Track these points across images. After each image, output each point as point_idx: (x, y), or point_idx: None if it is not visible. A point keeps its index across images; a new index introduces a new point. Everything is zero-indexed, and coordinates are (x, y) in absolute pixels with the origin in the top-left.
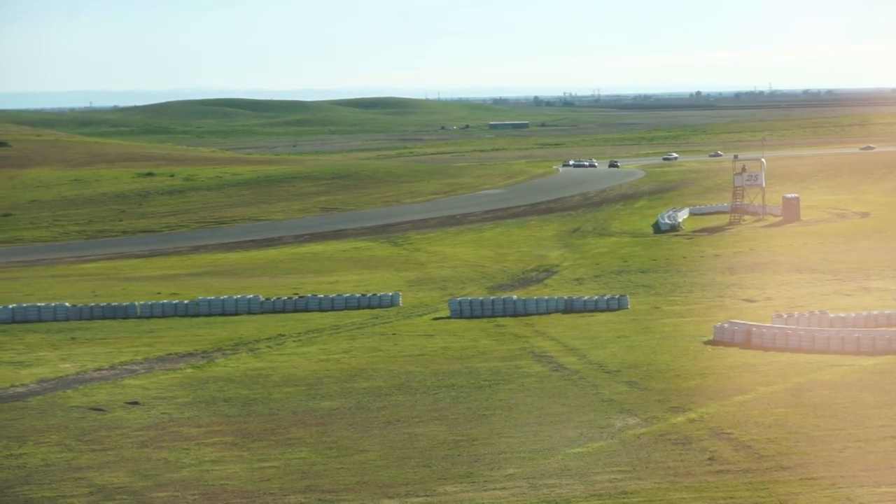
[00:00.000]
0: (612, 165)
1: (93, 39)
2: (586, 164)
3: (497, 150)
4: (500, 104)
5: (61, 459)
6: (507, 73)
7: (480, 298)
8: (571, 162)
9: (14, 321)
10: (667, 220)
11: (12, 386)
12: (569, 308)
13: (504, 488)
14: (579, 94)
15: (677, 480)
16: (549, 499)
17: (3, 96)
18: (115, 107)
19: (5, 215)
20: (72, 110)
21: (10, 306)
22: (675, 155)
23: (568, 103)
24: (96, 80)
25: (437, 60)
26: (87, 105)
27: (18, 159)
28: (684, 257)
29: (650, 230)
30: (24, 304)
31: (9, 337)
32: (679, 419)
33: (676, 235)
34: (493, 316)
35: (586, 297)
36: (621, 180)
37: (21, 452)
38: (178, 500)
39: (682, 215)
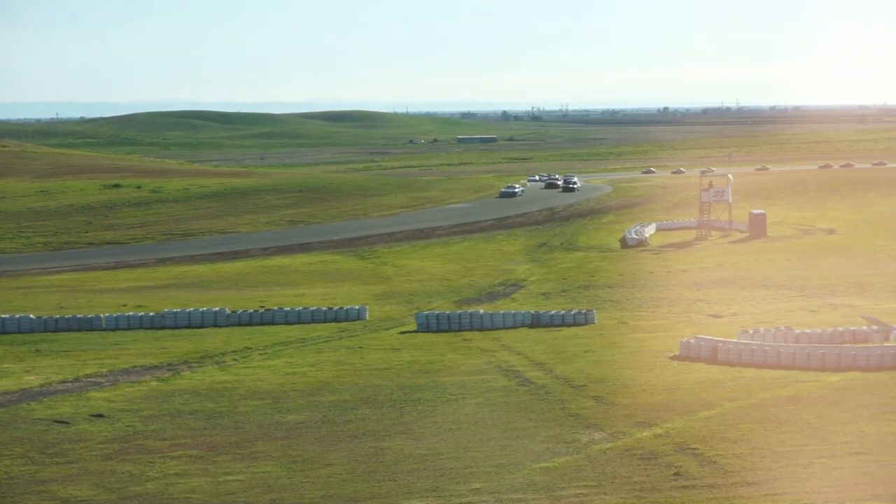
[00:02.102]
0: (567, 188)
1: (60, 50)
2: (559, 180)
3: (465, 164)
4: (468, 118)
5: (24, 472)
6: (475, 88)
7: (447, 312)
8: (538, 178)
9: None
10: (634, 236)
11: None
12: (535, 322)
13: (470, 502)
14: (547, 108)
15: (643, 495)
16: None
17: None
18: (82, 118)
19: None
20: (38, 121)
21: None
22: (653, 170)
23: (536, 118)
24: (63, 91)
25: (406, 74)
26: (54, 116)
27: None
28: (651, 272)
29: (617, 245)
30: None
31: None
32: (645, 434)
33: (643, 250)
34: (459, 330)
35: (553, 312)
36: (588, 195)
37: None
38: None
39: (650, 230)
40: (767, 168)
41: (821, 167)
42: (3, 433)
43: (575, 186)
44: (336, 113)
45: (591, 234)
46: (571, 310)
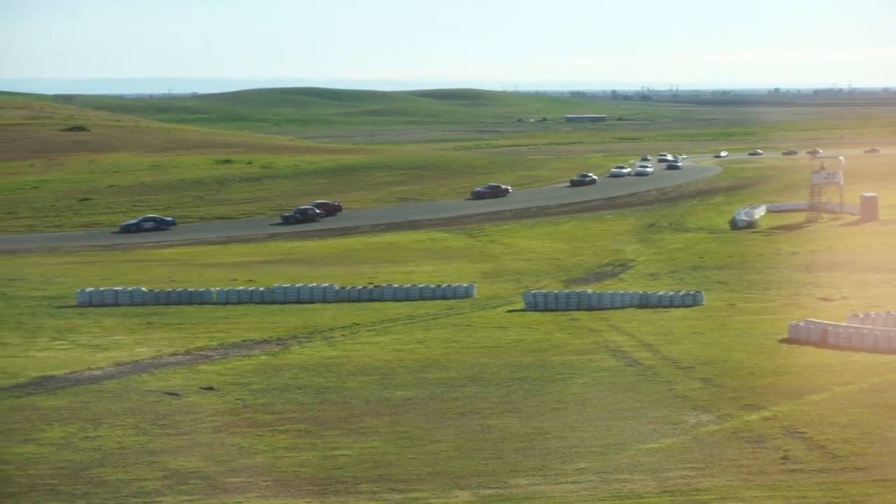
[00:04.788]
0: (672, 166)
1: (173, 27)
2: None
3: (574, 143)
4: (577, 97)
5: (136, 443)
6: (585, 67)
7: (555, 291)
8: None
9: (91, 305)
10: (743, 217)
11: (88, 369)
12: (644, 303)
13: (576, 482)
14: (657, 88)
15: (750, 479)
16: (620, 494)
17: (84, 82)
18: (194, 94)
19: (83, 199)
20: (151, 97)
21: (88, 290)
22: (759, 151)
23: (645, 98)
24: (176, 67)
25: (516, 53)
26: (167, 92)
27: (97, 144)
28: (760, 254)
29: (727, 226)
30: (102, 289)
31: (86, 320)
32: (753, 417)
33: (753, 232)
34: (567, 309)
35: (661, 293)
36: (697, 176)
37: (96, 435)
38: (251, 486)
39: (759, 212)
40: (877, 150)
41: None
42: (116, 404)
43: (678, 165)
44: (445, 91)
45: (701, 216)
46: (680, 291)
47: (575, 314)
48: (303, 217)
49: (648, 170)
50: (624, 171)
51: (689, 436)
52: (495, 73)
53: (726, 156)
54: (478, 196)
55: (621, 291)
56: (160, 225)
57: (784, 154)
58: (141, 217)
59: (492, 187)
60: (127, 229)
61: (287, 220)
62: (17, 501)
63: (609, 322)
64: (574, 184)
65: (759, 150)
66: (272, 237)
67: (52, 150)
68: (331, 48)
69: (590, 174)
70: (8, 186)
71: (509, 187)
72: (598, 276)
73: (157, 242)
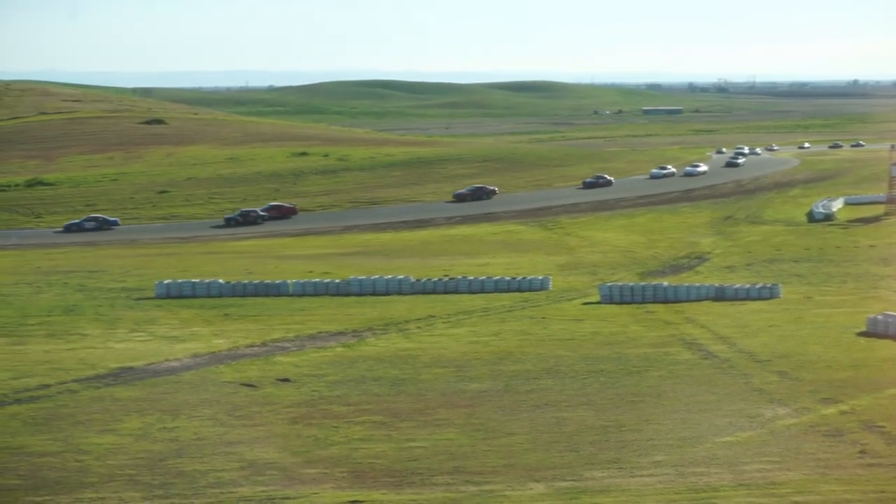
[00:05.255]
0: (731, 163)
1: (249, 20)
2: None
3: (650, 135)
4: (653, 89)
5: (213, 433)
6: (661, 59)
7: (631, 284)
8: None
9: (169, 296)
10: (821, 210)
11: (166, 360)
12: (720, 296)
13: (651, 475)
14: (734, 80)
15: (827, 472)
16: (696, 487)
17: (161, 75)
18: (271, 86)
19: (162, 192)
20: (228, 89)
21: (166, 282)
22: (840, 144)
23: (722, 90)
24: (253, 59)
25: (591, 45)
26: (244, 84)
27: (175, 137)
28: (838, 247)
29: (804, 219)
30: (179, 280)
31: (164, 312)
32: (830, 411)
33: (831, 225)
34: (643, 302)
35: (738, 286)
36: (775, 168)
37: (174, 425)
38: (327, 478)
39: (837, 205)
40: None
41: None
42: (193, 395)
43: (739, 162)
44: (521, 83)
45: (778, 208)
46: (756, 284)
47: (651, 307)
48: (244, 219)
49: (699, 169)
50: (664, 171)
51: (766, 429)
52: (571, 66)
53: (809, 147)
54: (459, 198)
55: (697, 284)
56: (102, 225)
57: (830, 147)
58: (84, 217)
59: (475, 189)
60: (69, 228)
61: (228, 223)
62: (97, 491)
63: (685, 315)
64: (587, 185)
65: (839, 143)
66: (348, 229)
67: (132, 143)
68: (408, 40)
69: (605, 175)
70: (88, 179)
71: (496, 188)
72: (674, 268)
73: (233, 234)
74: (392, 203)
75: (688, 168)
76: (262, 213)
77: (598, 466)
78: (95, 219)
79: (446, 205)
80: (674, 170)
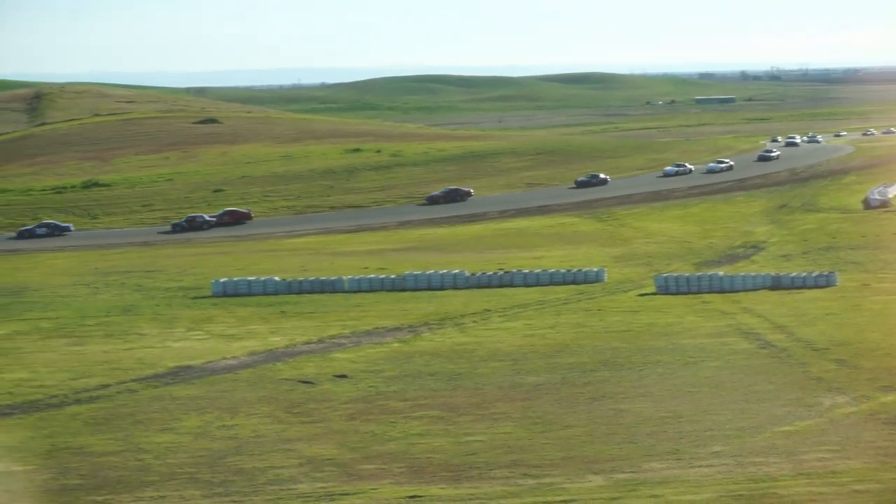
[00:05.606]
0: (764, 157)
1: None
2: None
3: (703, 125)
4: (706, 79)
5: (272, 430)
6: (713, 48)
7: (686, 274)
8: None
9: (225, 295)
10: (877, 196)
11: (224, 358)
12: (776, 285)
13: (710, 465)
14: (787, 68)
15: (888, 461)
16: (755, 477)
17: (213, 74)
18: (323, 83)
19: (217, 191)
20: (280, 87)
21: (222, 280)
22: (893, 130)
23: (775, 77)
24: (304, 57)
25: (643, 35)
26: (296, 82)
27: (229, 136)
28: (895, 234)
29: (859, 206)
30: (235, 279)
31: (220, 310)
32: (889, 398)
33: (887, 211)
34: (699, 292)
35: (794, 274)
36: (829, 156)
37: (233, 423)
38: (385, 473)
39: (893, 191)
40: None
41: None
42: (251, 392)
43: (773, 155)
44: (572, 75)
45: (833, 195)
46: (813, 272)
47: (706, 297)
48: (189, 225)
49: (723, 165)
50: (721, 165)
51: (825, 418)
52: (622, 57)
53: (874, 133)
54: (432, 201)
55: (753, 273)
56: (54, 231)
57: (883, 133)
58: (37, 223)
59: (449, 190)
60: (22, 235)
61: (174, 228)
62: (157, 490)
63: (741, 304)
64: (580, 185)
65: (893, 129)
66: (402, 225)
67: (186, 143)
68: (459, 34)
69: (599, 174)
70: (143, 179)
71: (471, 190)
72: (730, 258)
73: (288, 232)
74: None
75: (710, 164)
76: (209, 219)
77: (657, 458)
78: (47, 225)
79: (499, 197)
80: (731, 162)
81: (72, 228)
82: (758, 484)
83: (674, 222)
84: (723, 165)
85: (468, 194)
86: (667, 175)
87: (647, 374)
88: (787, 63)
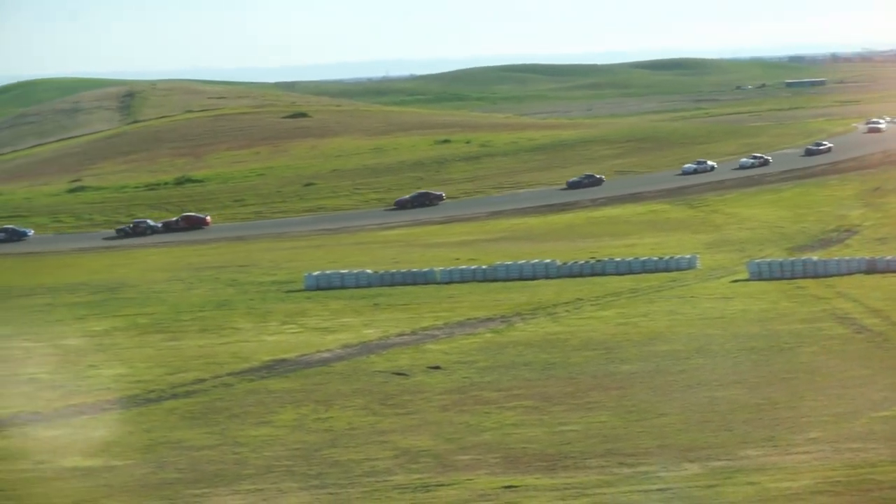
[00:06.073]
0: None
1: (385, 9)
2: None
3: (794, 108)
4: (795, 62)
5: (366, 423)
6: (802, 30)
7: (780, 260)
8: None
9: (318, 288)
10: None
11: (318, 351)
12: (871, 269)
13: (807, 452)
14: (879, 48)
15: None
16: (853, 463)
17: (301, 68)
18: (411, 75)
19: (308, 185)
20: (368, 80)
21: (315, 274)
22: None
23: (867, 59)
24: (391, 49)
25: (731, 19)
26: (384, 74)
27: (319, 130)
28: None
29: None
30: (328, 272)
31: (314, 304)
32: None
33: None
34: (792, 278)
35: (889, 258)
36: None
37: (328, 416)
38: (481, 464)
39: None
40: None
41: None
42: (345, 385)
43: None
44: (662, 61)
45: None
46: None
47: (801, 282)
48: (133, 231)
49: (751, 160)
50: (690, 168)
51: None
52: (711, 41)
53: None
54: (400, 205)
55: (847, 257)
56: (12, 236)
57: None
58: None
59: (419, 195)
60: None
61: (118, 233)
62: (255, 483)
63: (836, 289)
64: (572, 185)
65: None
66: (493, 215)
67: (277, 138)
68: (547, 22)
69: (594, 174)
70: (235, 175)
71: (442, 194)
72: (823, 242)
73: (379, 224)
74: (536, 187)
75: (742, 160)
76: (153, 225)
77: (753, 445)
78: (6, 230)
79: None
80: (768, 157)
81: (29, 233)
82: (855, 470)
83: (766, 207)
84: (754, 161)
85: (440, 198)
86: (685, 173)
87: (742, 360)
88: (879, 43)
